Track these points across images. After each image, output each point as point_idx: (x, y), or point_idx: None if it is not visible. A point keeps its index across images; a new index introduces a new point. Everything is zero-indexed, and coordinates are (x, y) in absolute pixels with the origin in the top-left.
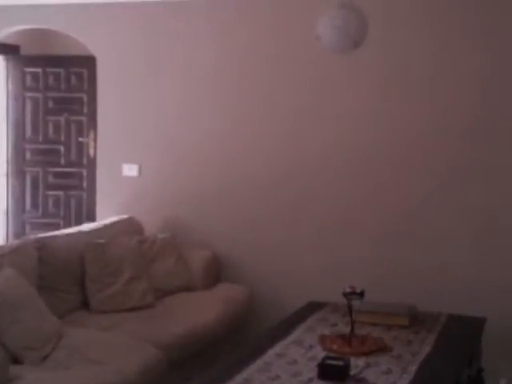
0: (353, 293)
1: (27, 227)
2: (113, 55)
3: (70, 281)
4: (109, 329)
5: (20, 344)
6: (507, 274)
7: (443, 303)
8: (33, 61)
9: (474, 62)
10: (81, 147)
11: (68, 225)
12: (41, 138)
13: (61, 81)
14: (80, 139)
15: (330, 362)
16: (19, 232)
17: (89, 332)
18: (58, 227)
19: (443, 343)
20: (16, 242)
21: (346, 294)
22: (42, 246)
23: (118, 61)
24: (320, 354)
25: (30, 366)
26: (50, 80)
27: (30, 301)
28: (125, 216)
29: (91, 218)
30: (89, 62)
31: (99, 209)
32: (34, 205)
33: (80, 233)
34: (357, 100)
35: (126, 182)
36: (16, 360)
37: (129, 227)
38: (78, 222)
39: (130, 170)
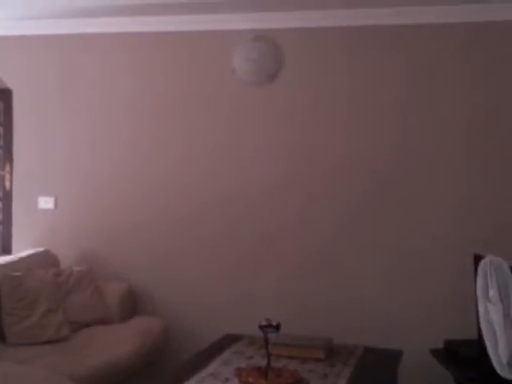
0: (269, 325)
1: None
2: (29, 88)
3: None
4: (25, 362)
5: None
6: (419, 308)
7: (359, 336)
8: None
9: (390, 96)
10: None
11: None
12: None
13: None
14: None
15: None
16: None
17: (4, 365)
18: None
19: (359, 376)
20: None
21: (261, 327)
22: None
23: (33, 93)
24: None
25: None
26: None
27: None
28: (41, 249)
29: (7, 250)
30: (4, 94)
31: (15, 242)
32: None
33: None
34: (273, 133)
35: (41, 215)
36: None
37: (45, 260)
38: None
39: (45, 203)
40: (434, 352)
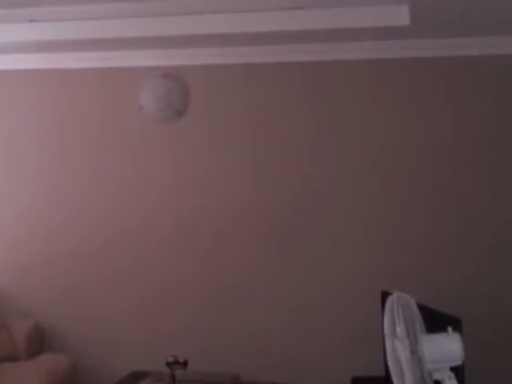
0: (175, 362)
1: None
2: None
3: None
4: None
5: None
6: (327, 345)
7: (267, 372)
8: None
9: (296, 132)
10: None
11: None
12: None
13: None
14: None
15: None
16: None
17: None
18: None
19: None
20: None
21: (168, 364)
22: None
23: None
24: None
25: None
26: None
27: None
28: None
29: None
30: None
31: None
32: None
33: None
34: (180, 169)
35: None
36: None
37: None
38: None
39: None
40: None
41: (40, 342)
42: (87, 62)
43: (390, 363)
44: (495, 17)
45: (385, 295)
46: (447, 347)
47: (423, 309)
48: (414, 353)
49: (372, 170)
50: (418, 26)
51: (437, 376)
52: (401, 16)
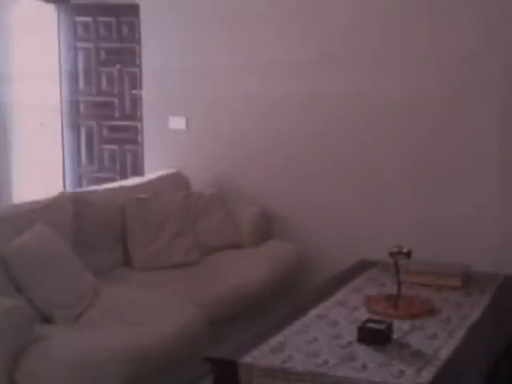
0: (399, 252)
1: (84, 182)
2: (157, 2)
3: (110, 237)
4: (150, 287)
5: (50, 302)
6: None
7: (500, 264)
8: (83, 9)
9: None
10: (134, 100)
11: (124, 179)
12: (94, 91)
13: (112, 30)
14: (133, 91)
15: (371, 325)
16: (76, 186)
17: (128, 290)
18: (114, 182)
19: (496, 307)
20: (51, 196)
21: (392, 254)
22: (78, 200)
23: (162, 9)
24: (364, 315)
25: (60, 325)
26: (102, 30)
27: (63, 257)
28: (171, 171)
29: (138, 172)
30: (132, 9)
31: (147, 163)
32: (90, 159)
33: (122, 188)
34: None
35: (173, 136)
36: (47, 319)
37: (175, 182)
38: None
39: (177, 123)
40: None
41: (265, 229)
42: None
43: None
44: None
45: None
46: None
47: None
48: None
49: None
50: None
51: None
52: None
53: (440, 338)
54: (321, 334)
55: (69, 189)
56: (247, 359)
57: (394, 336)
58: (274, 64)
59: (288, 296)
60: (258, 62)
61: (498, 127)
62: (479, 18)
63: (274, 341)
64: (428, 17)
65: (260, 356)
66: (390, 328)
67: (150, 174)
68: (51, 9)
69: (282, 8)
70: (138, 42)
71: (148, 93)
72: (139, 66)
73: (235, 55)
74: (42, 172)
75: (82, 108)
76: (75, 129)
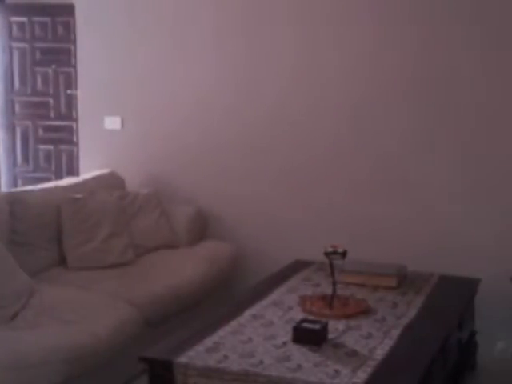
0: (334, 252)
1: (19, 182)
2: (92, 3)
3: (45, 237)
4: (85, 287)
5: None
6: (501, 232)
7: (435, 264)
8: (18, 9)
9: None
10: (70, 100)
11: (60, 179)
12: (29, 91)
13: (48, 30)
14: (69, 91)
15: (306, 325)
16: (12, 186)
17: (63, 290)
18: (50, 182)
19: (431, 306)
20: None
21: (327, 254)
22: (14, 200)
23: (98, 9)
24: (299, 315)
25: None
26: (37, 30)
27: None
28: (106, 170)
29: (73, 172)
30: (67, 10)
31: (82, 163)
32: (25, 159)
33: (57, 188)
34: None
35: (108, 136)
36: None
37: (110, 182)
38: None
39: (112, 123)
40: None
41: (201, 228)
42: None
43: None
44: None
45: None
46: None
47: None
48: None
49: None
50: None
51: None
52: None
53: (375, 338)
54: (256, 334)
55: (4, 189)
56: (182, 359)
57: (329, 336)
58: (208, 63)
59: (223, 296)
60: (191, 61)
61: (444, 128)
62: (419, 22)
63: (209, 341)
64: (370, 16)
65: (195, 356)
66: (325, 328)
67: (86, 174)
68: None
69: (216, 7)
70: (74, 41)
71: (83, 93)
72: (74, 66)
73: (169, 55)
74: None
75: (17, 108)
76: (10, 129)
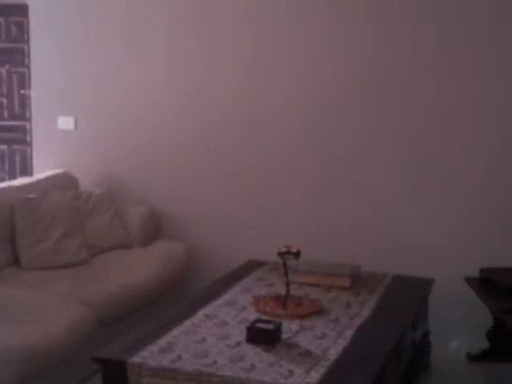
0: (288, 252)
1: None
2: (46, 3)
3: None
4: (38, 287)
5: None
6: (454, 234)
7: (389, 264)
8: None
9: None
10: (23, 100)
11: (13, 179)
12: None
13: (1, 30)
14: (22, 91)
15: (259, 325)
16: None
17: (16, 290)
18: (3, 182)
19: (385, 305)
20: None
21: (281, 254)
22: None
23: (51, 9)
24: (252, 316)
25: None
26: None
27: None
28: (60, 171)
29: (27, 172)
30: (20, 9)
31: (36, 163)
32: None
33: (11, 188)
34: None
35: (61, 136)
36: None
37: (63, 182)
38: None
39: (65, 123)
40: (469, 281)
41: (155, 229)
42: None
43: None
44: None
45: None
46: None
47: None
48: None
49: None
50: None
51: None
52: None
53: (329, 338)
54: (209, 334)
55: None
56: (136, 359)
57: (283, 336)
58: (160, 64)
59: (177, 296)
60: (144, 62)
61: (394, 128)
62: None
63: (163, 341)
64: (321, 17)
65: (149, 356)
66: (278, 328)
67: (39, 174)
68: None
69: (167, 8)
70: (27, 42)
71: (37, 93)
72: (28, 66)
73: (121, 56)
74: None
75: None
76: None
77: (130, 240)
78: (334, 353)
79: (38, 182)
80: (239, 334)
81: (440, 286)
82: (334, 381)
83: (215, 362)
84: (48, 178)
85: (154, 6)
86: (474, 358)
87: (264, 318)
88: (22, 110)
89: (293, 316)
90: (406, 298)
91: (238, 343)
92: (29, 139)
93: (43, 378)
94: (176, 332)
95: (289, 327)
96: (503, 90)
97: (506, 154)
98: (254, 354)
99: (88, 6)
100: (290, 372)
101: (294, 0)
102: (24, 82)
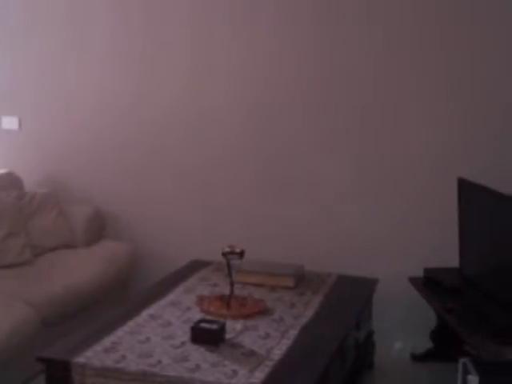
0: (232, 252)
1: None
2: None
3: None
4: None
5: None
6: (399, 234)
7: (333, 264)
8: None
9: None
10: None
11: None
12: None
13: None
14: None
15: (203, 325)
16: None
17: None
18: None
19: (329, 305)
20: None
21: (225, 254)
22: None
23: None
24: (197, 316)
25: None
26: None
27: None
28: (3, 170)
29: None
30: None
31: None
32: None
33: None
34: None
35: (5, 136)
36: None
37: (7, 182)
38: None
39: (9, 123)
40: (413, 281)
41: (99, 229)
42: None
43: None
44: None
45: (462, 183)
46: None
47: (501, 197)
48: None
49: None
50: None
51: None
52: None
53: (273, 338)
54: (154, 334)
55: None
56: (80, 359)
57: (227, 336)
58: (104, 63)
59: (122, 296)
60: (89, 61)
61: (339, 128)
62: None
63: (107, 341)
64: (267, 16)
65: (93, 356)
66: (222, 328)
67: None
68: None
69: (112, 7)
70: None
71: None
72: None
73: (65, 55)
74: None
75: None
76: None
77: (74, 240)
78: (277, 353)
79: None
80: (183, 334)
81: (384, 285)
82: (277, 381)
83: (159, 362)
84: None
85: (98, 5)
86: (417, 357)
87: (208, 317)
88: None
89: (237, 316)
90: (350, 297)
91: (183, 343)
92: None
93: None
94: (120, 332)
95: (233, 327)
96: (446, 91)
97: (448, 155)
98: (199, 354)
99: (31, 6)
100: (234, 372)
101: (237, 0)
102: None
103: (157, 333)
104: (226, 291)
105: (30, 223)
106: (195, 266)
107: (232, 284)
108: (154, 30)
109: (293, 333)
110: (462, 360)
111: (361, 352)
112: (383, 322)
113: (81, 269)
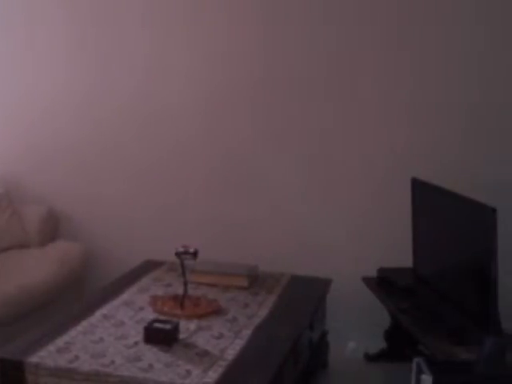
0: (185, 252)
1: None
2: None
3: None
4: None
5: None
6: (352, 234)
7: (287, 264)
8: None
9: None
10: None
11: None
12: None
13: None
14: None
15: (157, 325)
16: None
17: None
18: None
19: (282, 305)
20: None
21: (178, 254)
22: None
23: None
24: (150, 316)
25: None
26: None
27: None
28: None
29: None
30: None
31: None
32: None
33: None
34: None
35: None
36: None
37: None
38: None
39: None
40: (367, 281)
41: (53, 229)
42: None
43: None
44: None
45: (415, 183)
46: None
47: (455, 197)
48: None
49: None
50: None
51: None
52: None
53: (226, 338)
54: (107, 335)
55: None
56: (33, 359)
57: (181, 336)
58: (58, 63)
59: (75, 296)
60: (43, 60)
61: (292, 128)
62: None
63: (61, 341)
64: (218, 16)
65: (46, 356)
66: (176, 328)
67: None
68: None
69: (65, 6)
70: None
71: None
72: None
73: (19, 54)
74: None
75: None
76: None
77: (27, 240)
78: (231, 353)
79: None
80: (137, 334)
81: (338, 285)
82: (231, 381)
83: (113, 362)
84: None
85: (52, 5)
86: (371, 357)
87: (162, 318)
88: None
89: (190, 316)
90: (304, 297)
91: (136, 343)
92: None
93: None
94: (73, 332)
95: (186, 327)
96: (400, 90)
97: (402, 155)
98: (152, 354)
99: None
100: (188, 372)
101: (191, 1)
102: None
103: (110, 333)
104: (180, 291)
105: None
106: (149, 266)
107: (186, 284)
108: (108, 29)
109: (246, 333)
110: (415, 360)
111: (315, 352)
112: (337, 322)
113: (34, 269)
